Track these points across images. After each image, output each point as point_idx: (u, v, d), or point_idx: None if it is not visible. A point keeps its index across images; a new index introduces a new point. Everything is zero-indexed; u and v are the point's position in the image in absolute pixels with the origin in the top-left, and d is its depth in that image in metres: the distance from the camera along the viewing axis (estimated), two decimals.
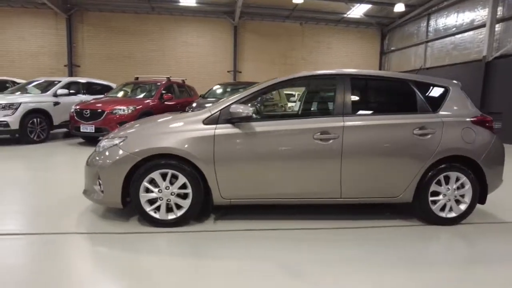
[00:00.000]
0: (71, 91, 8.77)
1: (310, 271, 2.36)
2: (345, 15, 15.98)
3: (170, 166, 2.96)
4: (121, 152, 2.97)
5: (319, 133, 3.00)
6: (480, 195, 3.30)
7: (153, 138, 3.00)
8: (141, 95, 8.87)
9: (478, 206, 3.36)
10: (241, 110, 2.89)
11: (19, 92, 8.35)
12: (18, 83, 9.75)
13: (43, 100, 7.92)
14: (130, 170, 2.96)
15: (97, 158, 3.08)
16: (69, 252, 2.59)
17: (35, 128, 7.71)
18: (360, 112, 3.20)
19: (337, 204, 3.23)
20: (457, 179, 3.20)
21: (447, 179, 3.20)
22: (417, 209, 3.30)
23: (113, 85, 10.25)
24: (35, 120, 7.67)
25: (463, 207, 3.25)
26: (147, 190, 2.99)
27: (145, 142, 2.98)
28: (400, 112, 3.22)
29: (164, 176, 2.98)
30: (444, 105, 3.27)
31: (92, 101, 7.89)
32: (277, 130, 3.02)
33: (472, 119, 3.24)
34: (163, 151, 2.93)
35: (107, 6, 15.31)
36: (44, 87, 8.51)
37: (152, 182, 2.99)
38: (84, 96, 9.06)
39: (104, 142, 3.15)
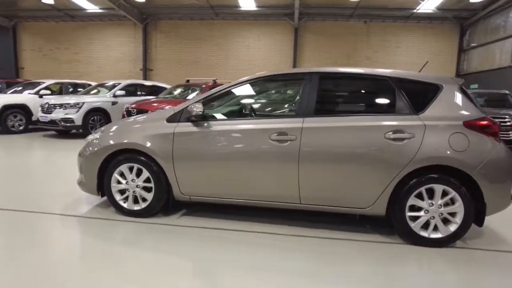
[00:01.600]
0: (142, 93, 9.91)
1: (221, 274, 2.29)
2: (415, 10, 14.59)
3: (135, 160, 3.15)
4: (96, 145, 3.26)
5: (275, 134, 2.87)
6: (478, 215, 2.76)
7: (122, 133, 3.23)
8: (189, 96, 9.45)
9: (487, 227, 2.82)
10: (195, 109, 2.93)
11: (96, 91, 9.68)
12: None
13: (103, 100, 9.02)
14: (104, 162, 3.23)
15: (83, 150, 3.43)
16: (42, 228, 2.96)
17: (95, 125, 8.81)
18: (325, 113, 2.94)
19: (303, 210, 3.02)
20: (445, 194, 2.72)
21: (431, 193, 2.74)
22: (394, 225, 2.90)
23: None
24: (95, 117, 8.78)
25: (452, 227, 2.75)
26: (118, 182, 3.23)
27: (116, 137, 3.22)
28: (373, 113, 2.87)
29: (131, 169, 3.19)
30: (431, 105, 2.81)
31: (140, 101, 8.70)
32: (234, 130, 2.98)
33: (466, 122, 2.72)
34: (128, 146, 3.14)
35: (177, 14, 16.63)
36: (110, 89, 9.68)
37: (122, 174, 3.22)
38: (141, 97, 10.04)
39: (90, 136, 3.50)
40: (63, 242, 2.74)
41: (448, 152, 2.66)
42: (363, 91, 3.12)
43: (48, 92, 9.73)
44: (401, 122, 2.75)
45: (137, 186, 3.18)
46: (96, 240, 2.77)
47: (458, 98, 2.84)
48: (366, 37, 16.30)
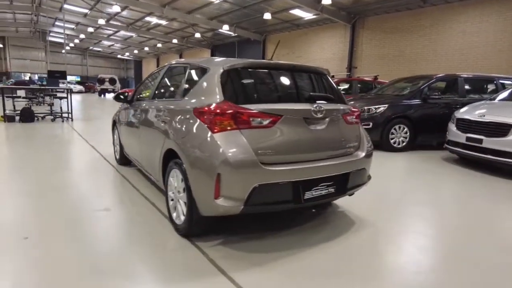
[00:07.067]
0: None
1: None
2: None
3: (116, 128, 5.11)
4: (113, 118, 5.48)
5: (138, 111, 3.91)
6: None
7: (116, 112, 5.22)
8: None
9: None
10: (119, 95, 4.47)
11: None
12: None
13: None
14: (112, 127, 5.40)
15: None
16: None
17: None
18: (156, 97, 3.69)
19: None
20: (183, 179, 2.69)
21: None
22: None
23: None
24: None
25: (183, 217, 2.70)
26: (114, 140, 5.32)
27: (115, 114, 5.27)
28: (171, 97, 3.27)
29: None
30: (191, 91, 2.90)
31: None
32: (131, 108, 4.25)
33: (195, 109, 2.63)
34: (113, 119, 5.13)
35: (382, 8, 16.10)
36: None
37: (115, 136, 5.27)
38: None
39: None
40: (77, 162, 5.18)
41: (172, 136, 2.80)
42: (178, 79, 3.42)
43: None
44: (167, 105, 3.13)
45: (116, 144, 5.14)
46: (93, 167, 5.00)
47: (212, 83, 2.68)
48: None
